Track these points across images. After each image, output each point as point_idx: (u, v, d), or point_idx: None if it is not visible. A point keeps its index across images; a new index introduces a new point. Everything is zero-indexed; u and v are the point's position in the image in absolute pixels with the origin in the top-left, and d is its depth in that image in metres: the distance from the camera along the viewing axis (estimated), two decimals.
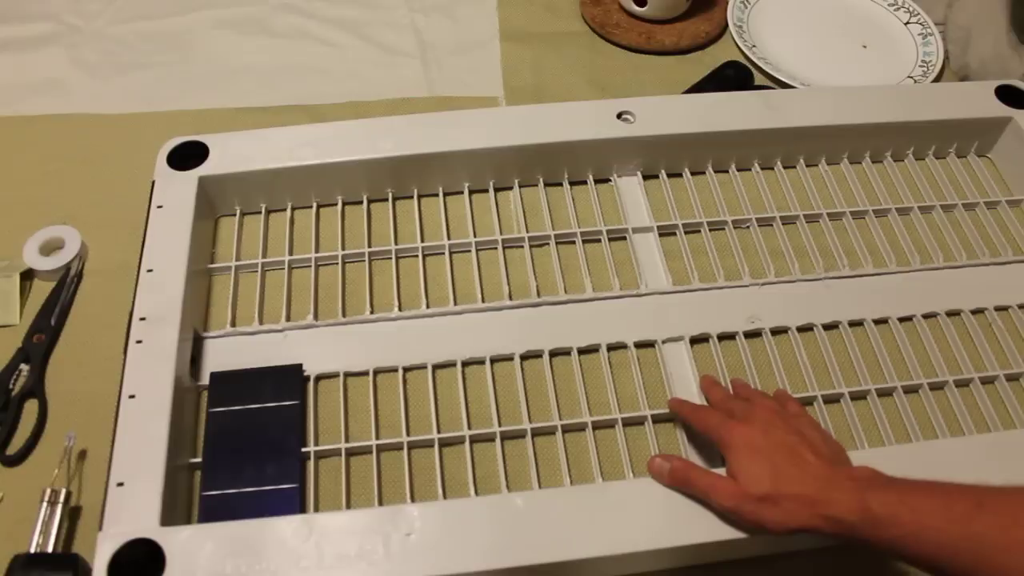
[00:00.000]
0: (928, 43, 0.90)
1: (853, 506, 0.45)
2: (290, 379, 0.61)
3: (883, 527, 0.44)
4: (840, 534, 0.46)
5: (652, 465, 0.53)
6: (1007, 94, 0.77)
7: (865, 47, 0.92)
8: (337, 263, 0.68)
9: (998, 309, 0.68)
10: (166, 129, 0.71)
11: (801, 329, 0.66)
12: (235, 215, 0.71)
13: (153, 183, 0.67)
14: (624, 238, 0.71)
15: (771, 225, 0.72)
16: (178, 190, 0.66)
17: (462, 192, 0.73)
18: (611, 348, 0.65)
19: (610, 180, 0.75)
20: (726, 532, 0.50)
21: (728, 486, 0.49)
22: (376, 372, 0.62)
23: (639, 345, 0.65)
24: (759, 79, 0.86)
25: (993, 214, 0.75)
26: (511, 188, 0.74)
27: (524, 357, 0.64)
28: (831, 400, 0.63)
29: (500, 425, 0.60)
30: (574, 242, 0.70)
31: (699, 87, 0.84)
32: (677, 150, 0.74)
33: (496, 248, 0.70)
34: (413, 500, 0.57)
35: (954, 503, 0.43)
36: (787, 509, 0.47)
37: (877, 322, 0.67)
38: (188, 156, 0.68)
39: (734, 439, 0.51)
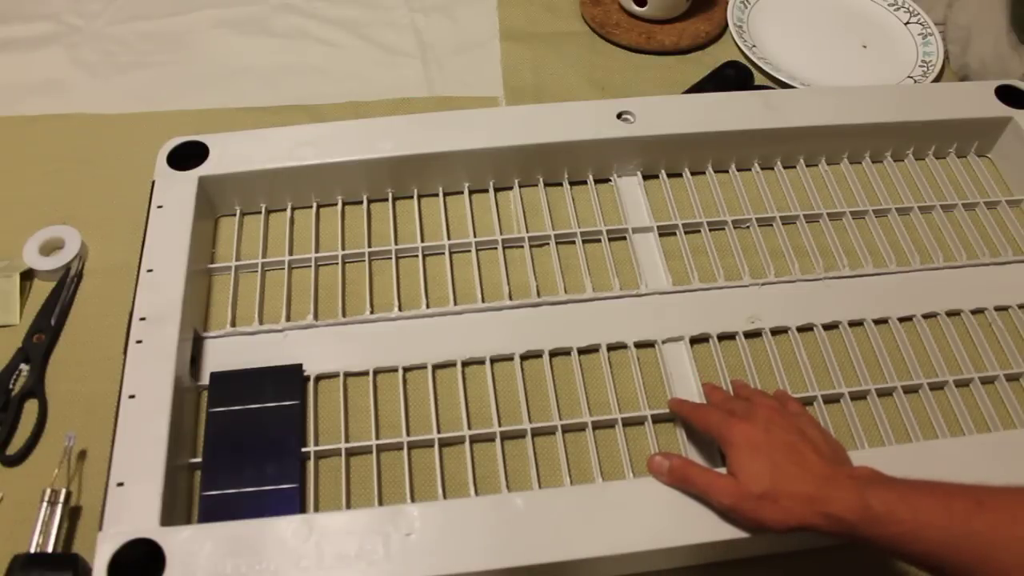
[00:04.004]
0: (928, 43, 0.90)
1: (853, 504, 0.45)
2: (290, 379, 0.61)
3: (883, 525, 0.44)
4: (840, 532, 0.46)
5: (652, 463, 0.53)
6: (1007, 94, 0.77)
7: (865, 47, 0.92)
8: (337, 263, 0.68)
9: (998, 309, 0.68)
10: (166, 129, 0.71)
11: (801, 329, 0.66)
12: (235, 215, 0.71)
13: (153, 183, 0.67)
14: (624, 238, 0.71)
15: (771, 225, 0.72)
16: (178, 190, 0.66)
17: (462, 192, 0.73)
18: (611, 348, 0.65)
19: (610, 180, 0.75)
20: (726, 531, 0.50)
21: (727, 484, 0.49)
22: (376, 372, 0.62)
23: (639, 345, 0.65)
24: (759, 79, 0.86)
25: (993, 214, 0.75)
26: (511, 188, 0.74)
27: (524, 357, 0.64)
28: (831, 400, 0.63)
29: (500, 425, 0.60)
30: (574, 242, 0.70)
31: (699, 87, 0.84)
32: (677, 150, 0.74)
33: (496, 248, 0.70)
34: (413, 500, 0.57)
35: (954, 502, 0.43)
36: (786, 507, 0.47)
37: (877, 322, 0.67)
38: (188, 156, 0.68)
39: (735, 436, 0.51)
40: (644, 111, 0.72)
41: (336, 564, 0.49)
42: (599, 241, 0.71)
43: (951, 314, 0.68)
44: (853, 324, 0.66)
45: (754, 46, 0.89)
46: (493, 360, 0.63)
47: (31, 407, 0.61)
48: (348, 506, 0.57)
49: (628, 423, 0.61)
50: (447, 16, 0.93)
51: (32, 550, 0.52)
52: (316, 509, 0.57)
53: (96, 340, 0.65)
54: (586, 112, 0.73)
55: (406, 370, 0.63)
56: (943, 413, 0.62)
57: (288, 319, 0.65)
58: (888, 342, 0.66)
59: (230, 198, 0.70)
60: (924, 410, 0.63)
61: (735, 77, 0.85)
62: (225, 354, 0.63)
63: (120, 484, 0.52)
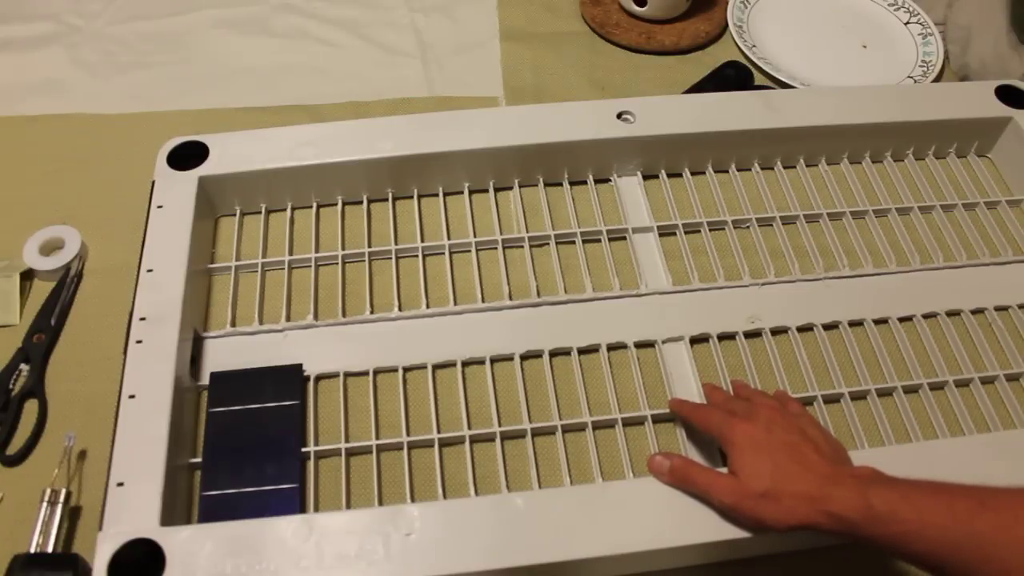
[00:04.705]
0: (928, 43, 0.90)
1: (855, 503, 0.45)
2: (290, 379, 0.61)
3: (884, 524, 0.44)
4: (841, 531, 0.46)
5: (652, 463, 0.53)
6: (1007, 94, 0.77)
7: (865, 47, 0.92)
8: (337, 263, 0.68)
9: (998, 309, 0.68)
10: (166, 129, 0.71)
11: (801, 329, 0.66)
12: (235, 215, 0.71)
13: (153, 183, 0.67)
14: (624, 238, 0.71)
15: (771, 225, 0.72)
16: (178, 190, 0.66)
17: (462, 192, 0.73)
18: (611, 348, 0.65)
19: (610, 180, 0.75)
20: (727, 531, 0.50)
21: (728, 483, 0.49)
22: (376, 372, 0.62)
23: (639, 345, 0.65)
24: (759, 79, 0.86)
25: (993, 214, 0.75)
26: (511, 188, 0.74)
27: (524, 357, 0.64)
28: (831, 400, 0.63)
29: (500, 425, 0.60)
30: (574, 242, 0.70)
31: (699, 87, 0.84)
32: (677, 150, 0.74)
33: (496, 248, 0.70)
34: (413, 500, 0.57)
35: (956, 501, 0.43)
36: (788, 506, 0.47)
37: (877, 322, 0.67)
38: (188, 156, 0.68)
39: (736, 436, 0.51)
40: (644, 111, 0.72)
41: (336, 564, 0.49)
42: (599, 241, 0.71)
43: (951, 314, 0.68)
44: (853, 324, 0.66)
45: (754, 46, 0.89)
46: (493, 360, 0.63)
47: (31, 407, 0.61)
48: (348, 506, 0.57)
49: (628, 423, 0.61)
50: (447, 16, 0.93)
51: (32, 550, 0.52)
52: (316, 509, 0.57)
53: (96, 340, 0.65)
54: (586, 112, 0.73)
55: (406, 370, 0.63)
56: (943, 413, 0.62)
57: (288, 319, 0.65)
58: (888, 342, 0.66)
59: (230, 198, 0.70)
60: (924, 410, 0.63)
61: (735, 77, 0.85)
62: (225, 354, 0.63)
63: (120, 484, 0.52)
